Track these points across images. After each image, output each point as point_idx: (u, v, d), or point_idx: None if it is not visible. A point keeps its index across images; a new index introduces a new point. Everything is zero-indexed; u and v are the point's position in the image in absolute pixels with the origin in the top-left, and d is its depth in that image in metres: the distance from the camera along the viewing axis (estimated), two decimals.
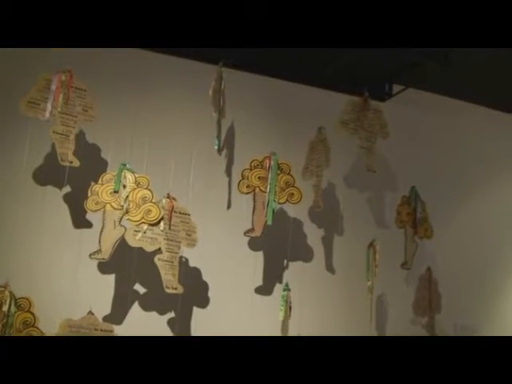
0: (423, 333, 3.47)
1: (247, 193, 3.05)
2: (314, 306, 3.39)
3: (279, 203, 3.05)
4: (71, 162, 2.84)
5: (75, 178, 2.93)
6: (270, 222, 2.97)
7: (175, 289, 2.81)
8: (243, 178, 3.06)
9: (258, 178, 3.06)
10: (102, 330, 2.67)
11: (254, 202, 3.04)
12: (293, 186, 3.07)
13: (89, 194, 2.80)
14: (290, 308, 3.02)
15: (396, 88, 3.86)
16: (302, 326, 3.15)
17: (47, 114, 2.78)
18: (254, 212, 3.04)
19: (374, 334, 3.51)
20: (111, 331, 2.69)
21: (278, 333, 3.06)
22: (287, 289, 3.04)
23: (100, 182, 2.82)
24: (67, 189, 3.02)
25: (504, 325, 4.10)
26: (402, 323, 3.56)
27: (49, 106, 2.79)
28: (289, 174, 3.09)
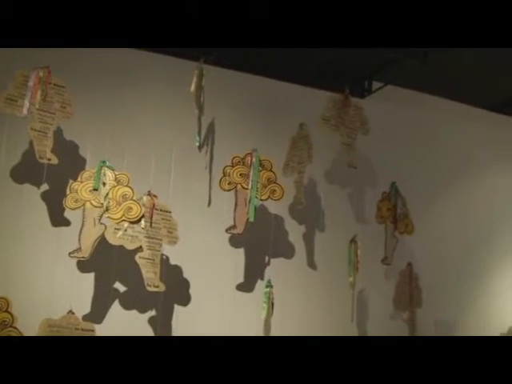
0: (404, 327, 3.49)
1: (229, 190, 3.04)
2: (295, 302, 3.39)
3: (261, 200, 3.04)
4: (49, 160, 2.79)
5: (53, 175, 2.89)
6: (251, 219, 2.96)
7: (157, 287, 2.78)
8: (224, 175, 3.04)
9: (240, 174, 3.04)
10: (82, 330, 2.63)
11: (236, 198, 3.03)
12: (275, 183, 3.07)
13: (67, 192, 2.76)
14: (273, 305, 3.02)
15: (375, 85, 3.87)
16: (283, 322, 3.15)
17: (25, 111, 2.73)
18: (235, 209, 3.03)
19: (355, 329, 3.52)
20: (92, 330, 2.66)
21: (260, 330, 3.06)
22: (269, 285, 3.03)
23: (79, 179, 2.78)
24: (45, 187, 2.97)
25: (483, 319, 4.15)
26: (382, 318, 3.59)
27: (26, 103, 2.74)
28: (270, 170, 3.08)
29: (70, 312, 2.65)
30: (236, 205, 3.03)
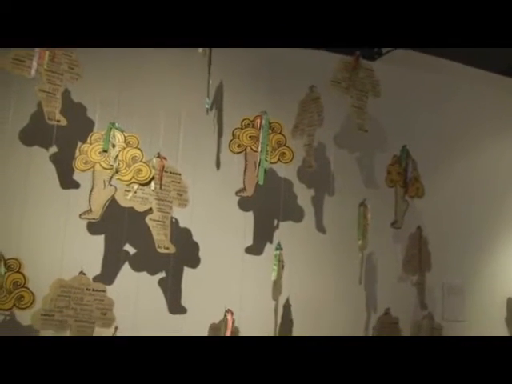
0: (413, 290, 3.50)
1: (238, 152, 3.02)
2: (304, 265, 3.40)
3: (271, 163, 3.02)
4: (58, 121, 2.77)
5: (62, 137, 2.87)
6: (261, 182, 2.95)
7: (167, 248, 2.79)
8: (234, 138, 3.02)
9: (249, 137, 3.02)
10: (93, 290, 2.65)
11: (246, 161, 3.01)
12: (284, 146, 3.04)
13: (77, 154, 2.75)
14: (283, 267, 3.03)
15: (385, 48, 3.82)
16: (292, 286, 3.17)
17: (33, 72, 2.70)
18: (245, 171, 3.01)
19: (363, 292, 3.54)
20: (103, 291, 2.67)
21: (269, 292, 3.08)
22: (279, 248, 3.04)
23: (88, 141, 2.77)
24: (54, 149, 2.96)
25: (492, 284, 4.16)
26: (391, 281, 3.60)
27: (34, 63, 2.71)
28: (280, 133, 3.06)
29: (81, 273, 2.66)
30: (245, 167, 3.02)
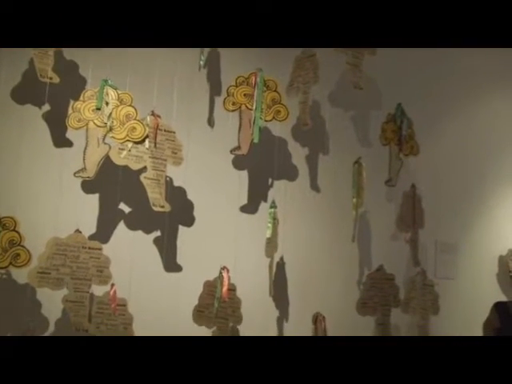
0: (405, 248, 3.54)
1: (233, 110, 2.99)
2: (298, 224, 3.42)
3: (265, 121, 3.00)
4: (51, 78, 2.74)
5: (55, 95, 2.83)
6: (256, 140, 2.94)
7: (162, 207, 2.79)
8: (228, 95, 2.99)
9: (244, 94, 2.99)
10: (89, 248, 2.66)
11: (240, 119, 2.99)
12: (279, 104, 3.02)
13: (70, 112, 2.71)
14: (277, 225, 3.04)
15: None
16: (286, 244, 3.19)
17: None
18: (240, 130, 2.99)
19: (356, 250, 3.58)
20: (99, 249, 2.68)
21: (264, 250, 3.10)
22: (274, 206, 3.05)
23: (81, 98, 2.73)
24: (47, 107, 2.93)
25: (484, 242, 4.21)
26: (384, 238, 3.64)
27: None
28: (275, 91, 3.03)
29: (77, 231, 2.67)
30: (240, 125, 3.00)
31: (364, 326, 3.50)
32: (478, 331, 3.80)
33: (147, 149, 2.76)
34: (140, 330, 2.75)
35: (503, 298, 4.14)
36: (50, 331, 2.85)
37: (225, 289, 2.84)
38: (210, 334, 2.98)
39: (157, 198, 2.78)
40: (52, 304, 2.77)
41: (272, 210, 3.04)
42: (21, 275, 2.71)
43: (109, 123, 2.70)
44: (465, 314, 4.03)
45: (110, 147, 2.72)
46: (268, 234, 3.02)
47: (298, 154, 3.53)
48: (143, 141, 2.75)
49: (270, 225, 3.02)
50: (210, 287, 2.94)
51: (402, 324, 3.61)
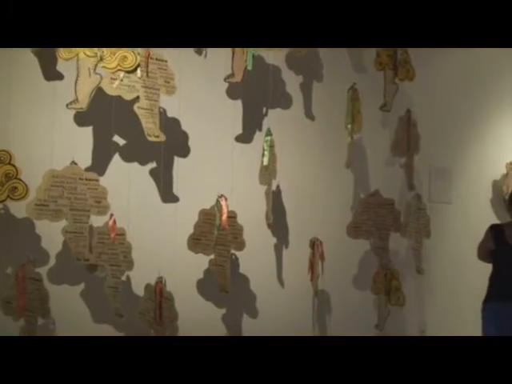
0: (400, 172, 3.56)
1: None
2: (293, 152, 3.42)
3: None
4: None
5: None
6: (250, 67, 2.90)
7: (157, 137, 2.78)
8: None
9: None
10: (86, 179, 2.66)
11: None
12: None
13: None
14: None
15: None
16: (282, 172, 3.20)
17: None
18: (233, 57, 2.95)
19: (351, 175, 3.59)
20: (96, 180, 2.69)
21: (260, 179, 3.11)
22: (270, 134, 3.04)
23: None
24: None
25: (479, 167, 4.23)
26: (379, 164, 3.65)
27: None
28: None
29: (73, 163, 2.67)
30: (233, 53, 2.96)
31: (359, 250, 3.57)
32: (473, 254, 3.86)
33: (139, 78, 2.72)
34: (139, 258, 2.79)
35: (497, 222, 4.20)
36: (50, 264, 2.89)
37: (224, 216, 2.87)
38: (207, 262, 3.04)
39: (151, 128, 2.76)
40: (51, 237, 2.79)
41: (268, 137, 3.04)
42: (19, 209, 2.71)
43: (99, 53, 2.65)
44: (459, 237, 4.10)
45: (101, 77, 2.67)
46: (265, 161, 3.03)
47: (292, 82, 3.49)
48: (135, 70, 2.70)
49: (266, 152, 3.02)
50: (207, 216, 2.97)
51: (402, 248, 3.67)
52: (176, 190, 3.14)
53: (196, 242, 2.98)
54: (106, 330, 3.01)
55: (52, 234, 2.76)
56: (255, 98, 3.30)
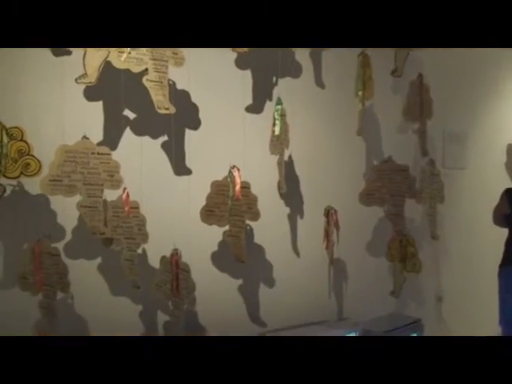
0: (414, 138, 3.53)
1: None
2: (304, 121, 3.40)
3: None
4: None
5: None
6: None
7: (167, 109, 2.76)
8: None
9: None
10: (98, 154, 2.66)
11: None
12: None
13: None
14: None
15: None
16: (293, 142, 3.18)
17: None
18: None
19: (363, 143, 3.57)
20: (108, 154, 2.69)
21: (272, 149, 3.09)
22: (280, 103, 3.01)
23: None
24: None
25: (492, 131, 4.18)
26: (392, 130, 3.62)
27: None
28: None
29: (84, 137, 2.67)
30: None
31: (373, 217, 3.56)
32: (488, 218, 3.84)
33: (147, 50, 2.70)
34: (153, 230, 2.81)
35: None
36: (66, 239, 2.92)
37: (238, 187, 2.86)
38: (222, 233, 3.04)
39: (161, 101, 2.75)
40: (67, 212, 2.81)
41: (279, 106, 3.01)
42: (33, 186, 2.73)
43: None
44: (474, 203, 4.08)
45: (109, 51, 2.66)
46: (276, 131, 3.01)
47: (301, 50, 3.45)
48: None
49: (277, 122, 3.00)
50: (219, 187, 2.97)
51: (417, 215, 3.65)
52: (188, 163, 3.14)
53: (209, 214, 2.98)
54: (124, 303, 3.04)
55: (67, 210, 2.77)
56: (264, 68, 3.28)
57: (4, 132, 2.52)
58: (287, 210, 3.42)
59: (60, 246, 2.80)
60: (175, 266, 2.83)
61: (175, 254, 2.84)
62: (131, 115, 3.04)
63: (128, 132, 3.03)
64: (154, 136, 3.09)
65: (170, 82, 2.94)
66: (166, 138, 3.10)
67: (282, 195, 3.30)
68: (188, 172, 3.13)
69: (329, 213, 3.19)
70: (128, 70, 2.71)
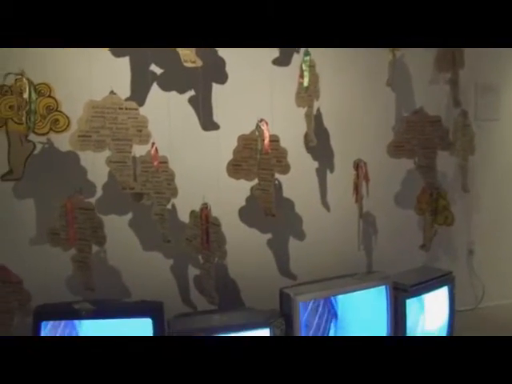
0: (446, 88, 3.44)
1: None
2: (332, 73, 3.32)
3: None
4: None
5: None
6: None
7: (194, 62, 2.74)
8: None
9: None
10: (126, 109, 2.66)
11: None
12: None
13: None
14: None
15: None
16: (322, 94, 3.12)
17: None
18: None
19: (393, 94, 3.48)
20: (136, 109, 2.69)
21: (300, 102, 3.05)
22: (308, 54, 2.95)
23: None
24: None
25: None
26: (423, 81, 3.54)
27: None
28: None
29: (112, 93, 2.66)
30: None
31: (401, 169, 3.51)
32: None
33: None
34: (182, 185, 2.81)
35: None
36: (97, 195, 2.95)
37: (266, 141, 2.84)
38: (249, 188, 3.04)
39: (187, 54, 2.72)
40: (96, 169, 2.84)
41: (307, 57, 2.95)
42: (62, 142, 2.76)
43: None
44: (506, 154, 3.99)
45: None
46: (305, 82, 2.96)
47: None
48: None
49: (306, 73, 2.95)
50: (247, 141, 2.94)
51: (448, 167, 3.58)
52: (216, 117, 3.12)
53: (236, 168, 2.96)
54: (156, 257, 3.09)
55: (97, 166, 2.80)
56: None
57: (32, 88, 2.52)
58: (315, 164, 3.40)
59: (92, 201, 2.83)
60: (205, 220, 2.84)
61: (205, 208, 2.85)
62: (158, 70, 3.02)
63: (155, 87, 3.03)
64: (181, 91, 3.08)
65: None
66: (193, 92, 3.09)
67: (309, 148, 3.27)
68: (216, 127, 3.12)
69: (358, 165, 3.15)
70: None
